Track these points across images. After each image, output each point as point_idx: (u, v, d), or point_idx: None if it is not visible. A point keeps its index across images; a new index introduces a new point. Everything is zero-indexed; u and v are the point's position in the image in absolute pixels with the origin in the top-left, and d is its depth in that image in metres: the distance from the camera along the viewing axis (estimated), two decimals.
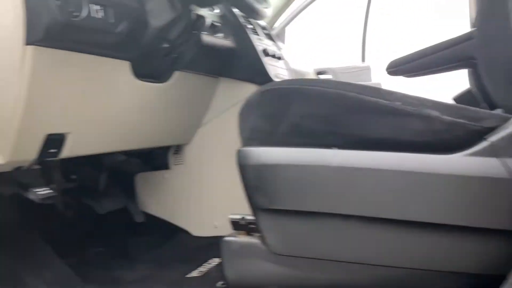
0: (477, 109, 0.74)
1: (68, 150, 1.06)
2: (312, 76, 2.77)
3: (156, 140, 1.42)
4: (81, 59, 0.98)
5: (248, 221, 0.86)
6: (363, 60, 3.35)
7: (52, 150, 1.03)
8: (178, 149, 1.56)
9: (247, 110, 0.86)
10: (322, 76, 2.92)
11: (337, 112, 0.76)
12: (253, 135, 0.83)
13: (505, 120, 0.68)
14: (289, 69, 1.66)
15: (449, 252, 0.71)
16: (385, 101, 0.72)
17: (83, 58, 0.98)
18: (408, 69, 1.19)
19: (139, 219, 1.56)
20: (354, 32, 3.53)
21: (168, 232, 1.55)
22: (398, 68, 1.20)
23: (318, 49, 3.77)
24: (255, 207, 0.81)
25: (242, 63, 1.45)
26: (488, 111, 0.82)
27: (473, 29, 1.04)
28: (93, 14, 0.92)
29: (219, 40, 1.37)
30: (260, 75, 1.44)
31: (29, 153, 0.98)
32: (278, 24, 2.57)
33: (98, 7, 0.93)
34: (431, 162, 0.69)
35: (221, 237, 0.86)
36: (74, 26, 0.88)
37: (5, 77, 0.89)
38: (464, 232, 0.69)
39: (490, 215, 0.68)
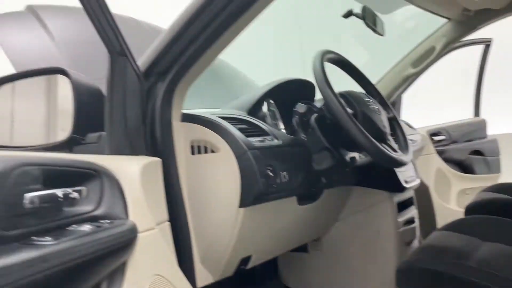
0: None
1: (250, 264, 1.42)
2: (426, 138, 2.90)
3: (302, 239, 1.74)
4: (269, 205, 1.32)
5: None
6: (476, 114, 3.34)
7: (242, 267, 1.39)
8: (316, 238, 1.87)
9: None
10: (435, 137, 3.01)
11: None
12: None
13: None
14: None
15: None
16: None
17: (271, 204, 1.32)
18: None
19: None
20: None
21: None
22: None
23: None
24: None
25: (377, 174, 1.71)
26: None
27: None
28: (282, 180, 1.26)
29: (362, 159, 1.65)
30: (392, 185, 1.69)
31: (228, 272, 1.35)
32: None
33: (285, 173, 1.27)
34: None
35: None
36: (273, 192, 1.22)
37: (223, 229, 1.25)
38: None
39: None
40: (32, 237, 0.64)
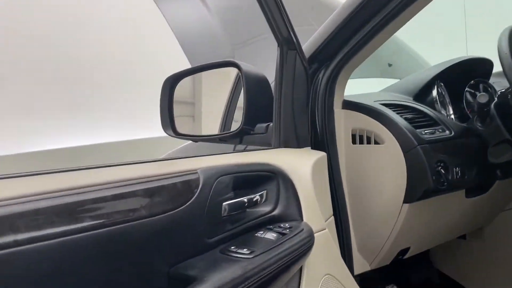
0: None
1: (408, 255, 1.37)
2: None
3: (464, 230, 1.61)
4: (434, 200, 1.24)
5: None
6: None
7: (399, 257, 1.35)
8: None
9: None
10: None
11: None
12: None
13: None
14: None
15: None
16: None
17: (436, 198, 1.24)
18: None
19: (434, 279, 1.81)
20: None
21: None
22: None
23: None
24: None
25: None
26: None
27: None
28: (454, 176, 1.16)
29: None
30: None
31: (385, 261, 1.33)
32: None
33: (457, 169, 1.16)
34: None
35: None
36: (443, 190, 1.14)
37: (384, 222, 1.22)
38: None
39: None
40: (231, 247, 0.70)
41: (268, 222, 0.86)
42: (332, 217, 1.08)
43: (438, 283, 1.81)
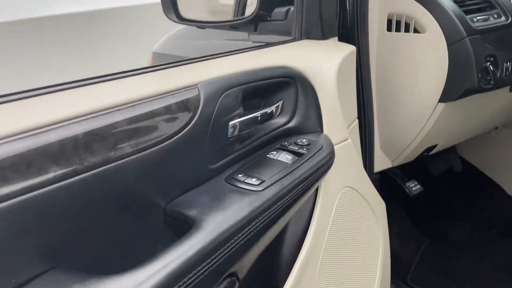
0: None
1: (434, 151, 1.28)
2: None
3: (497, 124, 1.48)
4: (474, 98, 1.09)
5: None
6: None
7: (424, 154, 1.26)
8: None
9: None
10: None
11: None
12: None
13: None
14: None
15: None
16: None
17: (477, 96, 1.09)
18: None
19: (457, 168, 1.75)
20: None
21: (483, 185, 1.71)
22: None
23: None
24: None
25: None
26: None
27: None
28: (504, 73, 0.99)
29: None
30: None
31: (409, 159, 1.25)
32: None
33: (509, 64, 0.99)
34: None
35: None
36: (488, 88, 0.98)
37: (413, 121, 1.10)
38: None
39: None
40: (238, 175, 0.61)
41: (283, 136, 0.75)
42: (356, 121, 0.97)
43: (461, 172, 1.76)
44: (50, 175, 0.41)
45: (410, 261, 1.44)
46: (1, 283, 0.38)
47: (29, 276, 0.40)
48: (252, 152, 0.69)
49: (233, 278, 0.54)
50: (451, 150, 1.77)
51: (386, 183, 1.43)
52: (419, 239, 1.51)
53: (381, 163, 1.21)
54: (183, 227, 0.52)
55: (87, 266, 0.45)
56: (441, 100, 1.02)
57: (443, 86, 1.00)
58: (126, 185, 0.50)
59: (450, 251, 1.49)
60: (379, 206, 0.95)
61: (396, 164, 1.24)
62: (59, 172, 0.42)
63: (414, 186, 1.30)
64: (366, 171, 1.12)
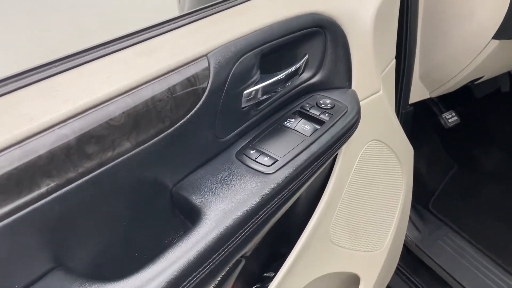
0: None
1: (478, 81, 1.17)
2: None
3: None
4: None
5: None
6: None
7: (467, 84, 1.16)
8: None
9: None
10: None
11: None
12: None
13: None
14: None
15: None
16: None
17: None
18: None
19: (505, 88, 1.61)
20: None
21: None
22: None
23: None
24: None
25: None
26: None
27: None
28: None
29: None
30: None
31: (450, 90, 1.15)
32: None
33: None
34: None
35: None
36: None
37: (461, 56, 0.98)
38: None
39: None
40: (250, 151, 0.58)
41: (305, 91, 0.69)
42: (393, 62, 0.87)
43: (508, 92, 1.63)
44: (42, 189, 0.39)
45: (435, 187, 1.43)
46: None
47: (30, 279, 0.41)
48: (269, 115, 0.65)
49: (239, 258, 0.55)
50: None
51: (423, 110, 1.36)
52: (449, 165, 1.47)
53: (418, 93, 1.12)
54: (189, 212, 0.51)
55: (95, 259, 0.46)
56: (495, 37, 0.89)
57: (500, 22, 0.86)
58: (130, 179, 0.47)
59: (479, 180, 1.45)
60: (407, 154, 0.91)
61: (434, 95, 1.15)
62: (53, 184, 0.40)
63: (450, 118, 1.22)
64: (399, 103, 1.04)
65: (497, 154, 1.51)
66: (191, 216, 0.51)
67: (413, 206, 1.33)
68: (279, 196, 0.54)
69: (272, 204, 0.53)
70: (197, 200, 0.51)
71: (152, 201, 0.52)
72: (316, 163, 0.59)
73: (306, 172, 0.58)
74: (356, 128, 0.67)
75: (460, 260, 1.19)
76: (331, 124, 0.63)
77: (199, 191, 0.52)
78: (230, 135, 0.58)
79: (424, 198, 1.39)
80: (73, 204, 0.42)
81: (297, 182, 0.57)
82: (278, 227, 0.68)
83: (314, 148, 0.59)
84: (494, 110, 1.59)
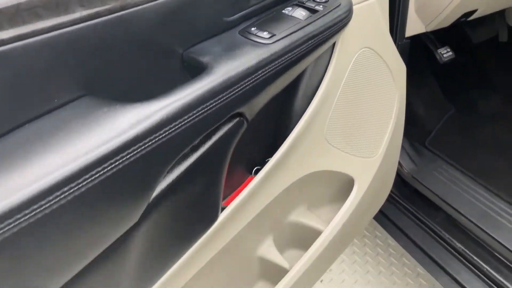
0: None
1: (473, 17, 1.23)
2: None
3: None
4: None
5: None
6: None
7: (462, 19, 1.22)
8: None
9: None
10: None
11: None
12: None
13: None
14: None
15: None
16: None
17: None
18: None
19: (502, 37, 1.66)
20: None
21: None
22: None
23: None
24: None
25: None
26: None
27: None
28: None
29: None
30: None
31: (445, 23, 1.20)
32: None
33: None
34: None
35: None
36: None
37: None
38: None
39: None
40: (252, 28, 0.65)
41: None
42: None
43: (506, 42, 1.67)
44: (76, 14, 0.47)
45: (432, 126, 1.49)
46: (46, 102, 0.48)
47: (66, 99, 0.50)
48: (270, 6, 0.72)
49: (241, 118, 0.62)
50: (499, 17, 1.67)
51: (420, 48, 1.42)
52: (446, 106, 1.53)
53: (414, 27, 1.18)
54: (198, 72, 0.59)
55: (112, 98, 0.54)
56: None
57: None
58: (146, 29, 0.55)
59: (475, 120, 1.52)
60: (399, 70, 0.97)
61: (430, 29, 1.21)
62: (84, 12, 0.48)
63: (446, 53, 1.28)
64: (396, 35, 1.11)
65: (493, 97, 1.57)
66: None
67: (409, 142, 1.40)
68: (276, 62, 0.62)
69: (270, 67, 0.61)
70: (204, 59, 0.59)
71: (164, 61, 0.60)
72: (310, 42, 0.67)
73: (301, 47, 0.65)
74: (348, 21, 0.74)
75: (453, 188, 1.26)
76: (324, 13, 0.70)
77: (207, 54, 0.60)
78: (235, 16, 0.66)
79: (421, 137, 1.46)
80: (99, 37, 0.50)
81: (293, 54, 0.64)
82: (276, 118, 0.76)
83: (308, 29, 0.67)
84: (491, 57, 1.65)
